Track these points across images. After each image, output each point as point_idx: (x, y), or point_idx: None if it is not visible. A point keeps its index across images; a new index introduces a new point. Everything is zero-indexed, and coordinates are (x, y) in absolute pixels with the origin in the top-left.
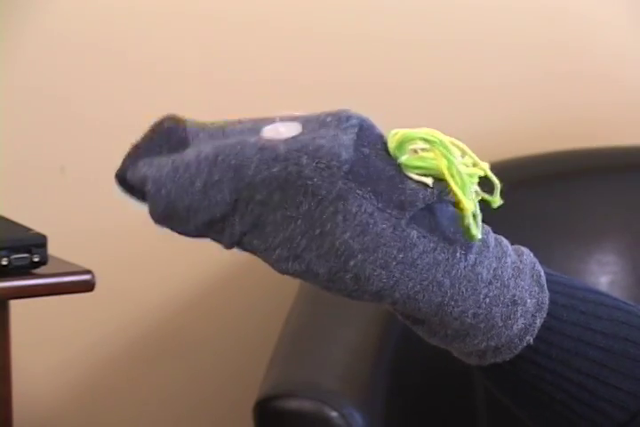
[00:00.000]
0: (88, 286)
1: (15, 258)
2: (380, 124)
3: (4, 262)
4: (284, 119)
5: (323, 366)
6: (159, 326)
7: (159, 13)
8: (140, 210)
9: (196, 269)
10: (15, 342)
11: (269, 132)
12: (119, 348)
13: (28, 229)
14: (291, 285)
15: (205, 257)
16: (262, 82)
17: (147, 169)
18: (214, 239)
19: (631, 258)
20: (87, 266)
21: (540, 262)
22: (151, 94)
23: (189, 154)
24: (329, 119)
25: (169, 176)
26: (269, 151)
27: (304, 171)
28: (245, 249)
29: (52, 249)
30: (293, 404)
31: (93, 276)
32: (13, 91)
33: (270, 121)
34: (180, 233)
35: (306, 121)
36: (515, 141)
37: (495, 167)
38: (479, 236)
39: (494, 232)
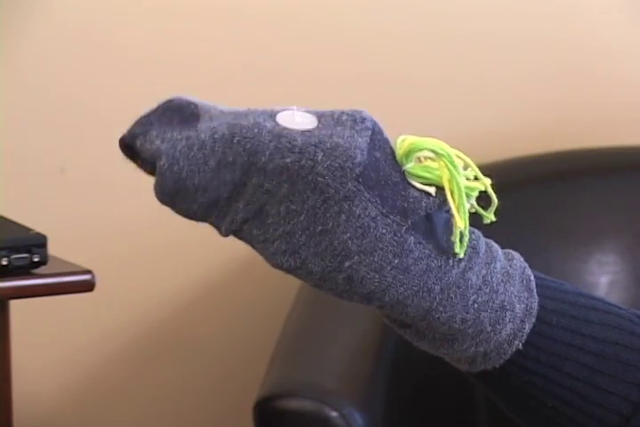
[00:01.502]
0: (88, 286)
1: (15, 258)
2: (382, 121)
3: (4, 262)
4: (299, 109)
5: (323, 366)
6: (159, 326)
7: (161, 13)
8: (139, 210)
9: (196, 269)
10: (15, 342)
11: (285, 118)
12: (119, 347)
13: (28, 229)
14: (291, 285)
15: (205, 257)
16: (266, 78)
17: (160, 143)
18: (214, 224)
19: (631, 258)
20: (87, 266)
21: (537, 263)
22: (153, 94)
23: (204, 131)
24: (344, 118)
25: (183, 153)
26: (286, 140)
27: (317, 167)
28: (243, 238)
29: (52, 249)
30: (293, 404)
31: (93, 276)
32: (14, 91)
33: (286, 109)
34: (181, 213)
35: (321, 115)
36: (515, 141)
37: (495, 167)
38: (461, 255)
39: (492, 233)
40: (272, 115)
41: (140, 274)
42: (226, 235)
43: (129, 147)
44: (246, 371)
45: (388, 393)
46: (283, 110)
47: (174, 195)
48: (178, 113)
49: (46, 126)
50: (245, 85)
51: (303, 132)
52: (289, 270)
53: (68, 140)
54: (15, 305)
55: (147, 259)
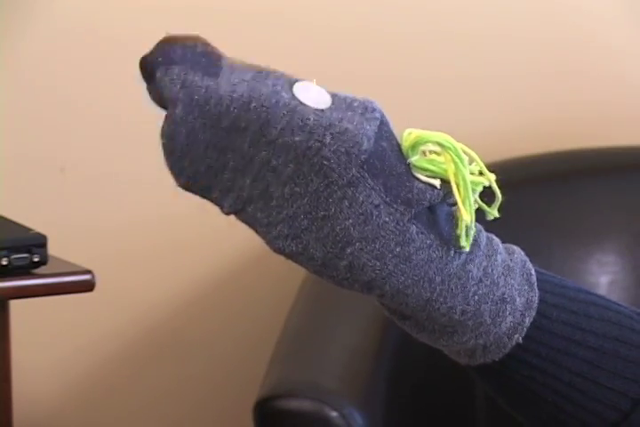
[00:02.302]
0: (88, 286)
1: (15, 258)
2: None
3: (4, 262)
4: (318, 84)
5: (323, 366)
6: (159, 326)
7: (161, 13)
8: (139, 210)
9: (196, 269)
10: (15, 342)
11: (302, 90)
12: (119, 347)
13: (28, 229)
14: (291, 285)
15: (205, 257)
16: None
17: (180, 87)
18: (217, 201)
19: (631, 258)
20: (87, 266)
21: (538, 262)
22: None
23: (224, 87)
24: (356, 104)
25: (199, 105)
26: (299, 117)
27: (324, 150)
28: (246, 220)
29: (52, 249)
30: (293, 404)
31: (93, 276)
32: (14, 90)
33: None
34: (184, 176)
35: (334, 96)
36: (515, 141)
37: (495, 167)
38: (467, 248)
39: (491, 230)
40: (290, 83)
41: (139, 274)
42: (228, 213)
43: (148, 70)
44: (246, 371)
45: (387, 393)
46: (301, 80)
47: (184, 150)
48: (205, 56)
49: (46, 126)
50: None
51: (316, 112)
52: (290, 255)
53: (68, 140)
54: (15, 305)
55: (147, 259)
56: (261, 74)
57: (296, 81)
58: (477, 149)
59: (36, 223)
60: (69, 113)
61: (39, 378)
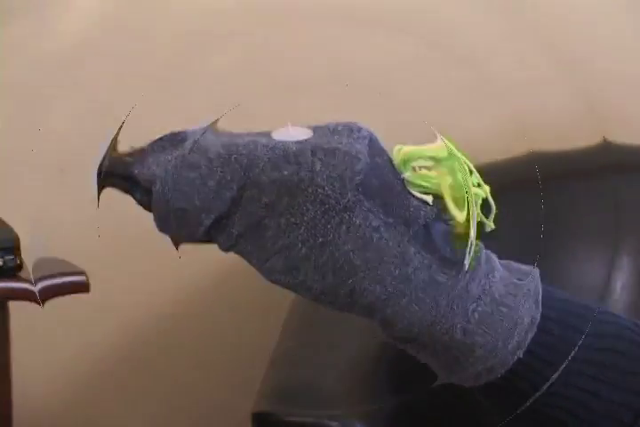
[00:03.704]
0: (84, 287)
1: (10, 259)
2: (382, 122)
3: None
4: (294, 125)
5: (323, 369)
6: (158, 327)
7: (161, 13)
8: (139, 211)
9: (195, 269)
10: (15, 342)
11: (280, 133)
12: (119, 348)
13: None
14: None
15: (204, 257)
16: (265, 77)
17: (155, 168)
18: (212, 239)
19: (635, 259)
20: (86, 266)
21: (542, 266)
22: (153, 93)
23: (195, 151)
24: (340, 128)
25: (180, 176)
26: (280, 150)
27: (316, 178)
28: (241, 252)
29: (52, 249)
30: (293, 417)
31: (87, 277)
32: (13, 90)
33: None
34: (185, 238)
35: (316, 128)
36: (515, 141)
37: (495, 167)
38: (469, 266)
39: (492, 232)
40: (267, 133)
41: (138, 275)
42: (225, 250)
43: (126, 177)
44: (245, 372)
45: (390, 402)
46: (277, 128)
47: (177, 221)
48: (169, 140)
49: (46, 126)
50: (244, 85)
51: (298, 141)
52: (288, 286)
53: (68, 140)
54: (15, 305)
55: (145, 260)
56: (233, 133)
57: (272, 130)
58: (477, 150)
59: (35, 223)
60: (69, 113)
61: (39, 378)
